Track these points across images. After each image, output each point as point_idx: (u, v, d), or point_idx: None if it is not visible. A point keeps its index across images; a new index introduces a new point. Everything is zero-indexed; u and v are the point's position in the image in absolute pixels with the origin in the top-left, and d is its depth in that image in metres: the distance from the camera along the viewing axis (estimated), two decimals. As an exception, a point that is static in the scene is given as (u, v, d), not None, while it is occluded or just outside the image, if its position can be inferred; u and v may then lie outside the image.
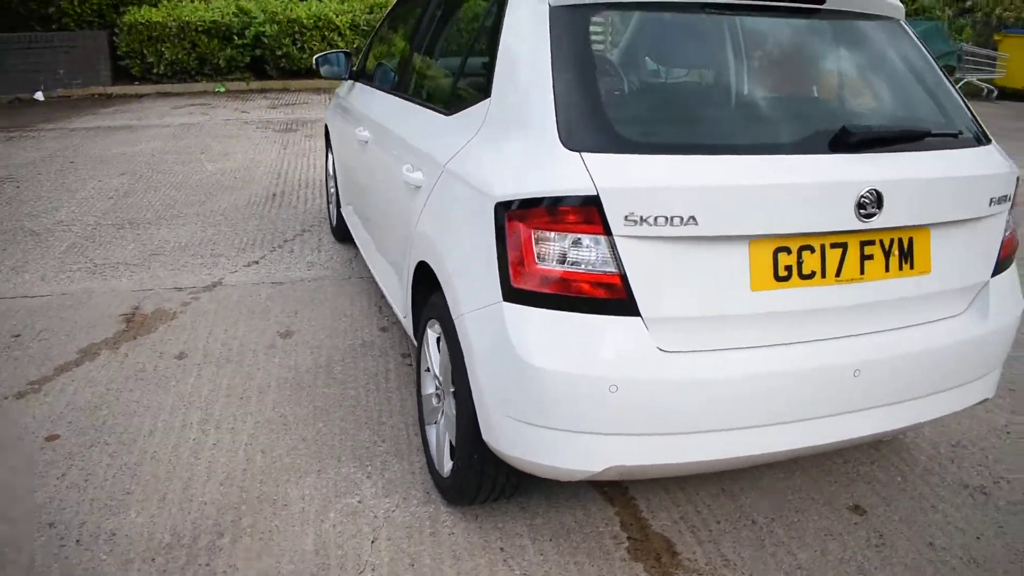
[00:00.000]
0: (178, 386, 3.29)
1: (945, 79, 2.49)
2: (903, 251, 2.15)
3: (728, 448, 2.01)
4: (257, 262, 4.79)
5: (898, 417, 2.22)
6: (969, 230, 2.27)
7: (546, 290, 1.92)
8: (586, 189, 1.87)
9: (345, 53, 4.19)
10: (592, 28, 2.16)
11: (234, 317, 3.99)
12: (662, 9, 2.26)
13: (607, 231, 1.88)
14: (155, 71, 12.85)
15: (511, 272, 1.95)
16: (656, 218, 1.87)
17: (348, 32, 12.97)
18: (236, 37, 12.76)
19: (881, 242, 2.11)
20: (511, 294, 1.96)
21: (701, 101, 2.42)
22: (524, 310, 1.95)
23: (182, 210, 5.88)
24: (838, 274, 2.06)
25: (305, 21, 12.82)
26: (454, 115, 2.59)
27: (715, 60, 2.51)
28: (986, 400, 2.48)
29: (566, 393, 1.92)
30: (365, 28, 13.03)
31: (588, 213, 1.87)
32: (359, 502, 2.58)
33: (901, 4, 2.54)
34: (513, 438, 2.06)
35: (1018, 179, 2.42)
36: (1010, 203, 2.38)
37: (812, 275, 2.03)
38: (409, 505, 2.56)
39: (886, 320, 2.17)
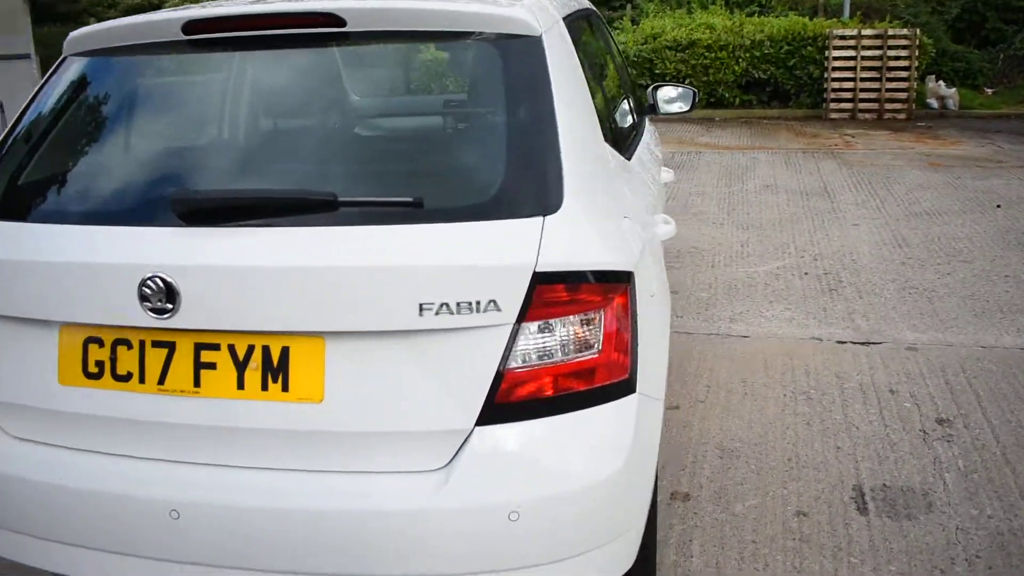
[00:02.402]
0: None
1: (520, 121, 1.72)
2: (270, 366, 1.60)
3: (31, 556, 1.79)
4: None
5: None
6: (408, 348, 1.57)
7: None
8: None
9: None
10: (79, 81, 2.00)
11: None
12: (141, 53, 1.96)
13: None
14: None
15: None
16: None
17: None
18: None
19: (232, 348, 1.61)
20: None
21: (93, 165, 2.00)
22: None
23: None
24: (161, 382, 1.65)
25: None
26: None
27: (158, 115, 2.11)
28: None
29: None
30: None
31: None
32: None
33: (511, 16, 1.78)
34: None
35: (542, 276, 1.54)
36: (516, 313, 1.55)
37: (128, 377, 1.67)
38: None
39: (240, 455, 1.65)
